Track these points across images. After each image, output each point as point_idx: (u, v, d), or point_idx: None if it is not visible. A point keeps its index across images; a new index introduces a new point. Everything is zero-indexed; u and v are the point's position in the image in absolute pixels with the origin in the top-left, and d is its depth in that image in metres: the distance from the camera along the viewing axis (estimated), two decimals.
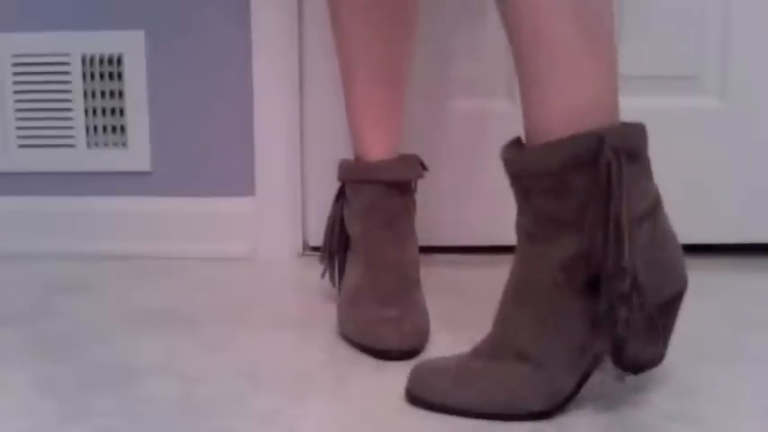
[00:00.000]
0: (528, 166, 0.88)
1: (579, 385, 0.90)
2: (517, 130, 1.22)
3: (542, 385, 0.88)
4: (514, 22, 0.88)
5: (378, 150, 1.17)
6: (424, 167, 1.18)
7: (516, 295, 0.90)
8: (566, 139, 0.85)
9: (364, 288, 1.11)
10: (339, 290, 1.18)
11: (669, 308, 0.91)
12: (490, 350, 0.90)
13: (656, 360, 0.93)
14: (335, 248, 1.20)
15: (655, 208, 0.90)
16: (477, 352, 0.92)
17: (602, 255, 0.84)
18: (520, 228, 0.90)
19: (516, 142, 0.91)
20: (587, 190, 0.85)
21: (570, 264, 0.86)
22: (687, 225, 1.40)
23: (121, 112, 1.45)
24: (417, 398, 0.92)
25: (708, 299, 1.24)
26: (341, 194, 1.20)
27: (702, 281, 1.30)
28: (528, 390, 0.88)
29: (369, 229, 1.14)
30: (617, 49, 0.90)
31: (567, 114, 0.86)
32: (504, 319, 0.91)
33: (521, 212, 0.90)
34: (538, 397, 0.88)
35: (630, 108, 1.38)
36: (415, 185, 1.17)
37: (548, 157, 0.86)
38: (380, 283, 1.11)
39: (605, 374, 0.91)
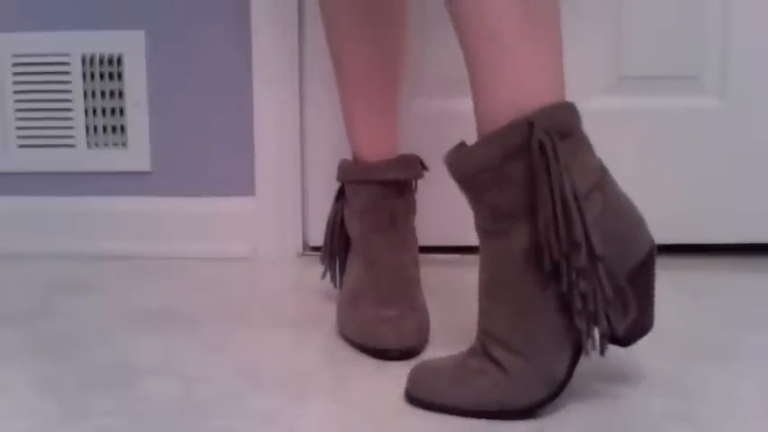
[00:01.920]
0: (469, 167, 0.89)
1: (571, 368, 0.90)
2: None
3: (534, 377, 0.88)
4: (463, 23, 0.90)
5: (375, 150, 1.16)
6: (424, 167, 1.17)
7: (489, 293, 0.91)
8: (498, 131, 0.87)
9: (364, 289, 1.11)
10: (340, 290, 1.18)
11: (640, 274, 0.92)
12: (482, 348, 0.91)
13: (643, 330, 0.93)
14: (336, 249, 1.19)
15: (601, 180, 0.91)
16: (472, 351, 0.92)
17: (555, 233, 0.85)
18: (478, 228, 0.92)
19: (460, 146, 0.92)
20: (530, 175, 0.86)
21: (532, 251, 0.87)
22: (687, 225, 1.42)
23: (121, 112, 1.45)
24: (417, 398, 0.92)
25: (708, 299, 1.24)
26: (341, 194, 1.19)
27: (702, 281, 1.31)
28: (521, 384, 0.88)
29: (367, 230, 1.13)
30: (562, 45, 0.91)
31: (515, 111, 0.87)
32: (484, 317, 0.91)
33: (476, 214, 0.91)
34: (532, 389, 0.88)
35: (631, 108, 1.39)
36: (416, 185, 1.17)
37: (485, 152, 0.88)
38: (380, 285, 1.10)
39: (591, 349, 0.90)
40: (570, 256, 0.85)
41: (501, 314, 0.89)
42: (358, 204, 1.14)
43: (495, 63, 0.88)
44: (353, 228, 1.15)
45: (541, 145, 0.85)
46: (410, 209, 1.16)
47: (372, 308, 1.08)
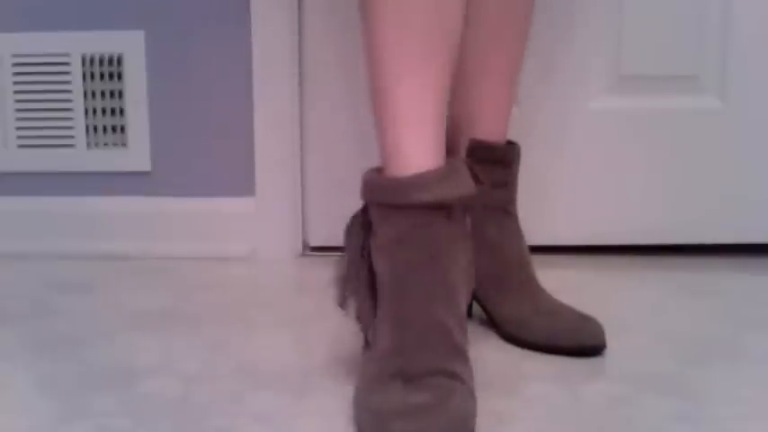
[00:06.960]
0: None
1: None
2: (523, 131, 1.22)
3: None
4: None
5: (421, 160, 0.88)
6: (477, 180, 0.91)
7: None
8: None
9: (388, 357, 0.85)
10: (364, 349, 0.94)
11: None
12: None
13: None
14: (363, 292, 0.92)
15: None
16: None
17: None
18: None
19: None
20: None
21: None
22: (687, 225, 1.42)
23: (121, 112, 1.45)
24: None
25: (708, 299, 1.24)
26: (365, 218, 0.92)
27: (703, 281, 1.31)
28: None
29: (399, 271, 0.87)
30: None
31: None
32: None
33: None
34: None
35: (631, 108, 1.39)
36: (470, 206, 0.89)
37: None
38: (409, 356, 0.84)
39: None
40: None
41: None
42: (388, 235, 0.88)
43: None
44: (380, 267, 0.89)
45: None
46: (463, 239, 0.89)
47: (396, 389, 0.83)
